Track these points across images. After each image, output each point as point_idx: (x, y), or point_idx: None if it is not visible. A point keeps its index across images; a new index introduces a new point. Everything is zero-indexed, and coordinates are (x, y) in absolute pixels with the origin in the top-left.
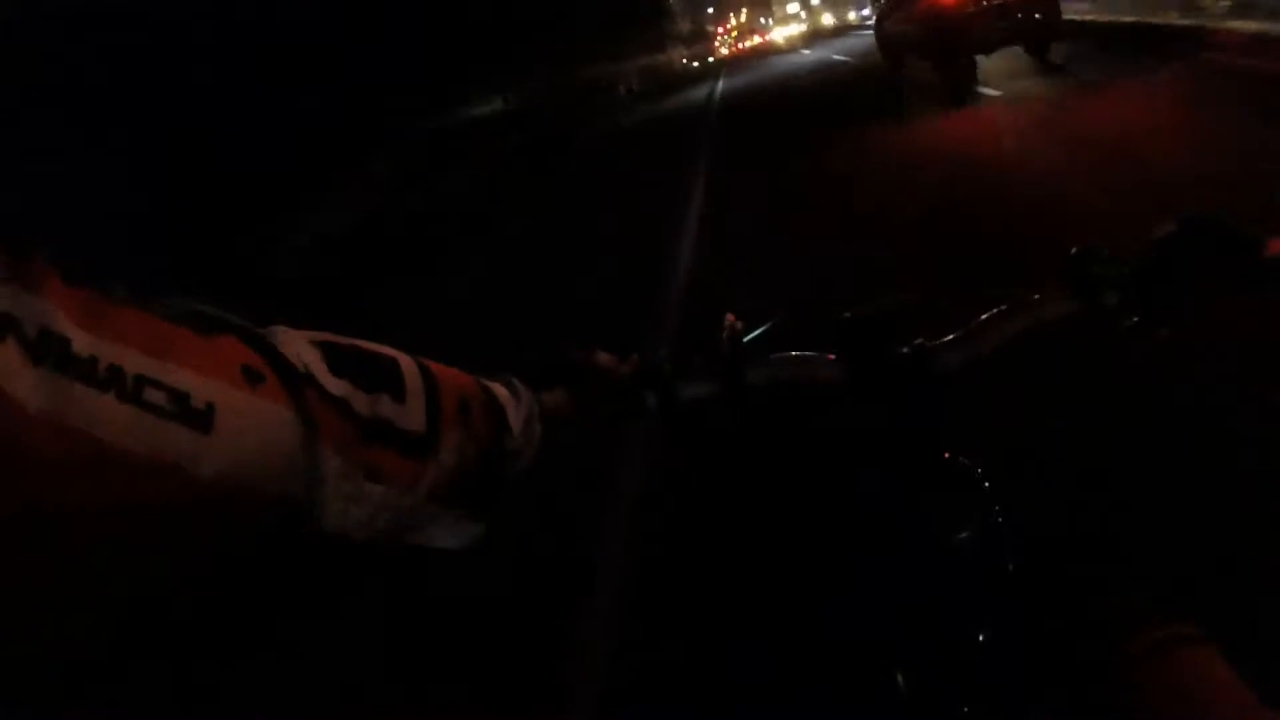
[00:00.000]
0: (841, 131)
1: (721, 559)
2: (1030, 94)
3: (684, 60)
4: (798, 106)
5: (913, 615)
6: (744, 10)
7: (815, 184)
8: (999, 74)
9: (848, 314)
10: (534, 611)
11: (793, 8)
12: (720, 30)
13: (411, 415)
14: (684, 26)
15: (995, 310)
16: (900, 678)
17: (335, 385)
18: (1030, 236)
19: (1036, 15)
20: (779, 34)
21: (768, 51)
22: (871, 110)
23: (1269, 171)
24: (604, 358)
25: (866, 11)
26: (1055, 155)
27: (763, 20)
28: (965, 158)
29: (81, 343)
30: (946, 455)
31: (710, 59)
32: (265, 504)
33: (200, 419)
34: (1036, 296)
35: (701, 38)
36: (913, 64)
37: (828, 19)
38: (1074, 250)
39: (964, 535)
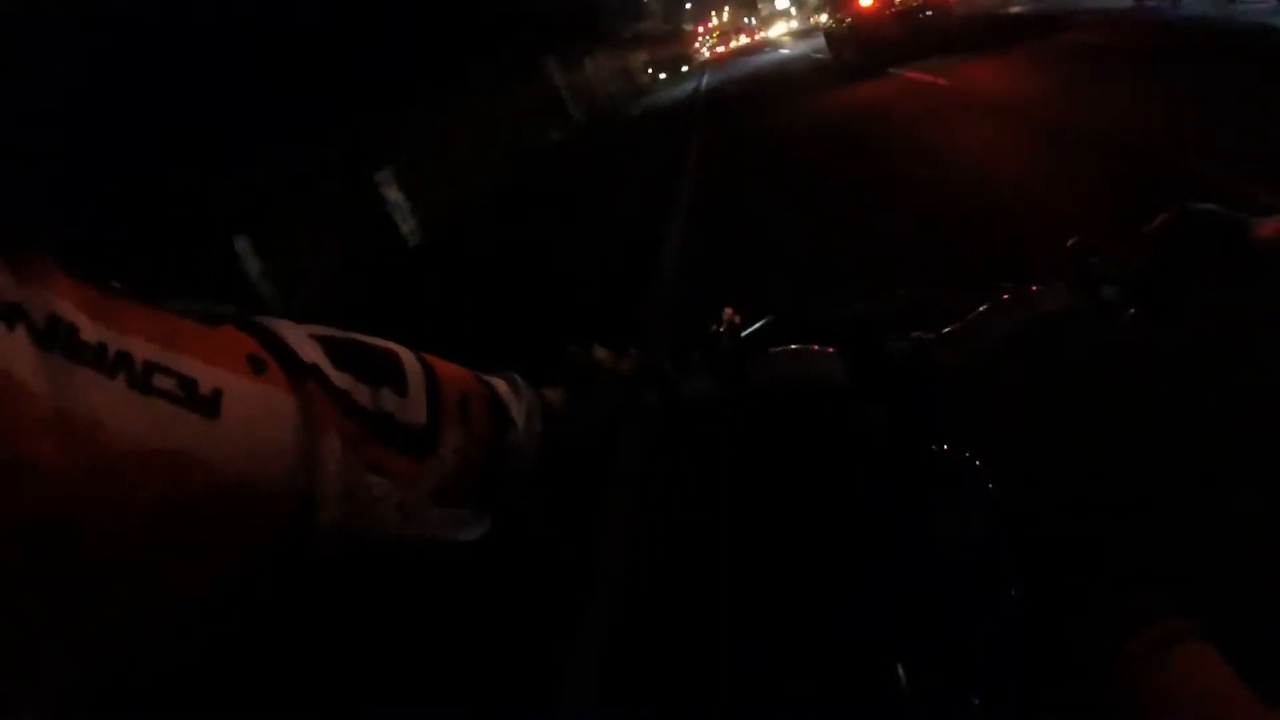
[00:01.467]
0: (798, 91)
1: (722, 558)
2: (924, 68)
3: (645, 69)
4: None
5: (913, 615)
6: (726, 9)
7: (776, 118)
8: (902, 59)
9: (848, 310)
10: (534, 610)
11: (782, 3)
12: (701, 30)
13: (413, 409)
14: (654, 25)
15: (992, 303)
16: (901, 677)
17: (338, 377)
18: (903, 133)
19: (929, 13)
20: (774, 31)
21: (757, 49)
22: (816, 82)
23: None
24: (603, 354)
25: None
26: (929, 99)
27: (747, 19)
28: (873, 103)
29: (90, 331)
30: (946, 453)
31: (685, 67)
32: (270, 495)
33: (208, 405)
34: (1034, 289)
35: (676, 39)
36: (847, 53)
37: (802, 21)
38: (1071, 244)
39: (964, 535)
